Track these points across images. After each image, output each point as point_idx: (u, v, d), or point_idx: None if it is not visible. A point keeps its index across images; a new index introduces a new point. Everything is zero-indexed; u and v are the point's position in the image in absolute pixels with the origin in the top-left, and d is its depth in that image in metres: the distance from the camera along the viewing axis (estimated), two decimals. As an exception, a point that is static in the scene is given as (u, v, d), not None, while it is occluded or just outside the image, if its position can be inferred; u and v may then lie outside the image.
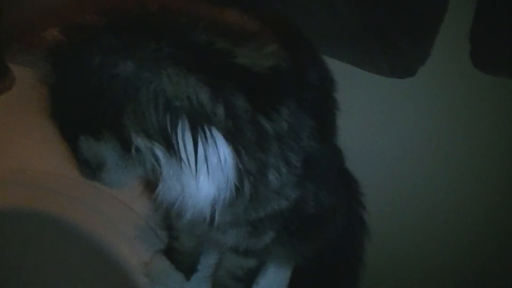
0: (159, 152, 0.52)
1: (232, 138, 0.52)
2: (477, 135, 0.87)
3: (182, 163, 0.53)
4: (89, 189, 0.77)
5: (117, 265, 0.75)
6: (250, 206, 0.59)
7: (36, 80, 0.55)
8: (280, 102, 0.54)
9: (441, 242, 1.05)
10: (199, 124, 0.51)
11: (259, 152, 0.54)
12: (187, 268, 0.77)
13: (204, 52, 0.51)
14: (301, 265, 0.77)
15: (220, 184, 0.55)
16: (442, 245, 1.05)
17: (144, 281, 0.74)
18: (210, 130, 0.51)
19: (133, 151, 0.52)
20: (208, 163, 0.53)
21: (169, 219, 0.74)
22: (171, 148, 0.52)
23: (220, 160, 0.53)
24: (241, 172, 0.54)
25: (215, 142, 0.52)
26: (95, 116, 0.51)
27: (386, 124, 0.92)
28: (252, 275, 0.74)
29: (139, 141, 0.51)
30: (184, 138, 0.51)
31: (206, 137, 0.51)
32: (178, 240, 0.75)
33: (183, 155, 0.52)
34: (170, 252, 0.77)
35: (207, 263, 0.77)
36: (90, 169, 0.57)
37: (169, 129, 0.50)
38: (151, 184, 0.61)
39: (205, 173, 0.54)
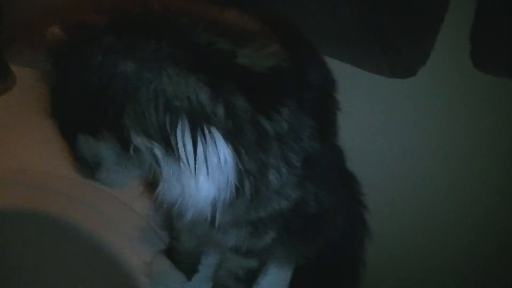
0: (158, 152, 0.52)
1: (232, 138, 0.52)
2: (477, 135, 0.86)
3: (181, 163, 0.52)
4: (90, 190, 0.76)
5: (118, 266, 0.74)
6: (251, 206, 0.59)
7: (36, 81, 0.55)
8: (281, 102, 0.54)
9: (441, 242, 1.05)
10: (199, 124, 0.50)
11: (259, 152, 0.54)
12: (188, 268, 0.76)
13: (205, 52, 0.51)
14: (302, 265, 0.77)
15: (220, 184, 0.55)
16: (442, 245, 1.05)
17: (145, 282, 0.73)
18: (210, 130, 0.51)
19: (131, 150, 0.52)
20: (208, 163, 0.53)
21: (169, 219, 0.74)
22: (170, 148, 0.51)
23: (220, 160, 0.53)
24: (241, 172, 0.54)
25: (215, 142, 0.52)
26: (95, 116, 0.51)
27: (386, 124, 0.92)
28: (253, 275, 0.74)
29: (139, 140, 0.51)
30: (184, 138, 0.51)
31: (205, 137, 0.51)
32: (179, 240, 0.75)
33: (182, 155, 0.52)
34: (171, 253, 0.76)
35: (208, 264, 0.77)
36: (88, 168, 0.57)
37: (169, 129, 0.50)
38: (151, 184, 0.61)
39: (205, 173, 0.54)
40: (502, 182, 0.91)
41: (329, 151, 0.65)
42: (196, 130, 0.51)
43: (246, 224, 0.63)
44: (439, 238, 1.04)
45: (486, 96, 0.81)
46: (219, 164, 0.53)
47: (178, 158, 0.52)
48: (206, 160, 0.52)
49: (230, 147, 0.52)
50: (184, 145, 0.52)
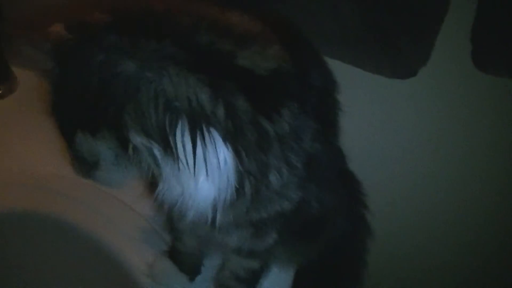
0: (157, 152, 0.52)
1: (232, 139, 0.52)
2: (478, 135, 0.86)
3: (180, 164, 0.52)
4: (91, 190, 0.76)
5: (120, 267, 0.74)
6: (251, 207, 0.58)
7: (38, 82, 0.54)
8: (281, 104, 0.54)
9: (441, 242, 1.04)
10: (198, 124, 0.50)
11: (259, 153, 0.53)
12: (191, 269, 0.76)
13: (205, 53, 0.51)
14: (304, 266, 0.76)
15: (220, 185, 0.54)
16: (442, 245, 1.04)
17: (147, 283, 0.73)
18: (209, 131, 0.51)
19: (130, 150, 0.52)
20: (208, 164, 0.52)
21: (171, 220, 0.73)
22: (170, 148, 0.51)
23: (220, 161, 0.53)
24: (242, 173, 0.54)
25: (214, 143, 0.51)
26: (95, 114, 0.51)
27: (387, 125, 0.92)
28: (255, 276, 0.73)
29: (138, 140, 0.51)
30: (183, 139, 0.51)
31: (205, 138, 0.51)
32: (181, 241, 0.75)
33: (181, 156, 0.52)
34: (173, 254, 0.76)
35: (210, 265, 0.76)
36: (87, 167, 0.57)
37: (168, 129, 0.50)
38: (152, 185, 0.61)
39: (205, 174, 0.53)
40: (502, 182, 0.90)
41: (331, 152, 0.65)
42: (195, 131, 0.50)
43: (247, 225, 0.62)
44: (439, 238, 1.03)
45: (487, 96, 0.81)
46: (218, 165, 0.53)
47: (177, 158, 0.52)
48: (205, 161, 0.52)
49: (230, 148, 0.52)
50: (183, 146, 0.51)
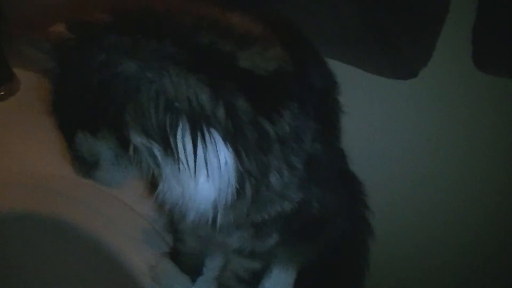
0: (158, 152, 0.52)
1: (232, 140, 0.52)
2: (478, 135, 0.86)
3: (181, 164, 0.52)
4: (92, 191, 0.76)
5: (121, 267, 0.73)
6: (252, 208, 0.58)
7: (39, 83, 0.54)
8: (282, 105, 0.53)
9: (441, 242, 1.03)
10: (199, 125, 0.50)
11: (260, 154, 0.53)
12: (192, 270, 0.75)
13: (206, 53, 0.50)
14: (306, 266, 0.76)
15: (221, 185, 0.54)
16: (442, 245, 1.04)
17: (149, 284, 0.73)
18: (210, 132, 0.51)
19: (131, 150, 0.52)
20: (208, 165, 0.52)
21: (172, 220, 0.73)
22: (170, 148, 0.51)
23: (220, 162, 0.52)
24: (242, 174, 0.54)
25: (215, 144, 0.51)
26: (95, 113, 0.51)
27: (388, 125, 0.92)
28: (257, 277, 0.73)
29: (138, 140, 0.51)
30: (184, 139, 0.51)
31: (205, 139, 0.51)
32: (183, 242, 0.74)
33: (181, 156, 0.52)
34: (175, 255, 0.75)
35: (212, 266, 0.76)
36: (86, 166, 0.57)
37: (169, 129, 0.50)
38: (153, 185, 0.60)
39: (205, 175, 0.53)
40: (502, 182, 0.90)
41: (331, 152, 0.64)
42: (196, 131, 0.50)
43: (248, 225, 0.62)
44: (439, 238, 1.03)
45: (487, 97, 0.80)
46: (219, 166, 0.53)
47: (178, 159, 0.52)
48: (206, 162, 0.52)
49: (230, 148, 0.52)
50: (184, 146, 0.51)
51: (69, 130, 0.55)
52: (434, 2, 0.71)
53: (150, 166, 0.53)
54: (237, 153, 0.52)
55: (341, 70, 0.66)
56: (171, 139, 0.51)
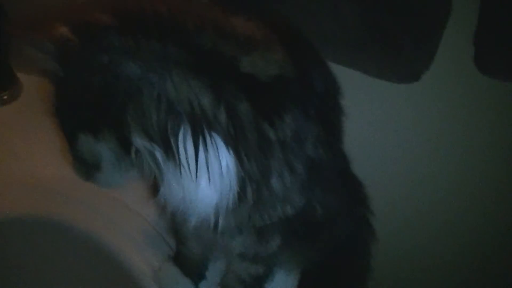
0: (159, 155, 0.51)
1: (233, 144, 0.51)
2: (480, 137, 0.85)
3: (182, 168, 0.52)
4: (95, 193, 0.74)
5: (125, 271, 0.72)
6: (254, 212, 0.57)
7: (42, 86, 0.53)
8: (284, 109, 0.53)
9: (441, 242, 1.03)
10: (200, 128, 0.50)
11: (261, 158, 0.53)
12: (195, 274, 0.74)
13: (208, 57, 0.50)
14: (309, 269, 0.75)
15: (223, 189, 0.54)
16: (442, 245, 1.03)
17: (151, 286, 0.71)
18: (211, 135, 0.50)
19: (132, 152, 0.51)
20: (210, 169, 0.52)
21: (176, 224, 0.72)
22: (171, 151, 0.51)
23: (222, 166, 0.52)
24: (243, 178, 0.53)
25: (216, 147, 0.51)
26: (97, 114, 0.51)
27: (389, 126, 0.91)
28: (260, 281, 0.72)
29: (140, 142, 0.51)
30: (185, 143, 0.51)
31: (207, 142, 0.50)
32: (186, 246, 0.73)
33: (183, 160, 0.51)
34: (178, 258, 0.74)
35: (215, 270, 0.75)
36: (86, 168, 0.56)
37: (170, 132, 0.50)
38: (156, 188, 0.59)
39: (207, 179, 0.53)
40: (502, 182, 0.89)
41: (333, 156, 0.63)
42: (197, 135, 0.50)
43: (250, 229, 0.61)
44: (439, 238, 1.02)
45: (489, 99, 0.79)
46: (220, 170, 0.52)
47: (179, 162, 0.51)
48: (207, 166, 0.52)
49: (232, 152, 0.51)
50: (185, 150, 0.51)
51: (71, 132, 0.54)
52: (435, 4, 0.70)
53: (151, 169, 0.53)
54: (238, 157, 0.51)
55: (343, 73, 0.66)
56: (173, 142, 0.50)
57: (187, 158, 0.51)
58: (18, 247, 0.78)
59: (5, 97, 0.90)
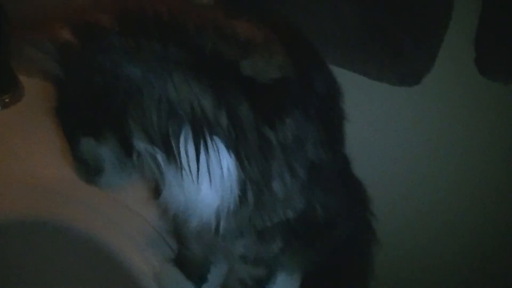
0: (160, 158, 0.51)
1: (234, 146, 0.51)
2: (482, 139, 0.84)
3: (183, 170, 0.51)
4: (97, 195, 0.74)
5: (126, 273, 0.72)
6: (255, 215, 0.57)
7: (44, 89, 0.53)
8: (285, 112, 0.53)
9: (441, 242, 1.03)
10: (201, 132, 0.49)
11: (262, 161, 0.52)
12: (197, 277, 0.74)
13: (209, 60, 0.49)
14: (311, 271, 0.74)
15: (224, 193, 0.53)
16: (442, 245, 1.03)
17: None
18: (212, 139, 0.50)
19: (134, 155, 0.51)
20: (211, 172, 0.52)
21: (177, 227, 0.71)
22: (172, 155, 0.50)
23: (223, 169, 0.52)
24: (244, 181, 0.53)
25: (218, 150, 0.51)
26: (98, 117, 0.50)
27: (389, 128, 0.90)
28: (262, 283, 0.71)
29: (141, 145, 0.50)
30: (187, 146, 0.50)
31: (208, 146, 0.50)
32: (188, 249, 0.73)
33: (184, 162, 0.51)
34: (180, 261, 0.74)
35: (216, 272, 0.74)
36: (88, 172, 0.56)
37: (171, 134, 0.49)
38: (158, 191, 0.59)
39: (208, 182, 0.53)
40: (503, 182, 0.89)
41: (335, 159, 0.63)
42: (199, 138, 0.50)
43: (251, 232, 0.60)
44: (439, 239, 1.02)
45: (490, 101, 0.79)
46: (222, 173, 0.52)
47: (180, 166, 0.51)
48: (208, 169, 0.51)
49: (233, 154, 0.51)
50: (186, 153, 0.50)
51: (72, 135, 0.54)
52: (435, 5, 0.70)
53: (153, 172, 0.52)
54: (239, 159, 0.51)
55: (343, 75, 0.65)
56: (174, 145, 0.50)
57: (188, 161, 0.51)
58: (19, 247, 0.77)
59: (6, 100, 0.89)
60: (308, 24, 0.75)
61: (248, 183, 0.53)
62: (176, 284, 0.72)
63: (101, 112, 0.50)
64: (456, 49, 0.73)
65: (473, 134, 0.84)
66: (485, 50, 0.69)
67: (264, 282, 0.71)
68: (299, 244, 0.67)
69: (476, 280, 1.03)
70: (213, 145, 0.50)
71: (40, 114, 0.55)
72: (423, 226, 1.01)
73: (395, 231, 0.99)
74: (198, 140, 0.49)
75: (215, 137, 0.50)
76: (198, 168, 0.51)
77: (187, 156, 0.50)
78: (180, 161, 0.51)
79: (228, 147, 0.51)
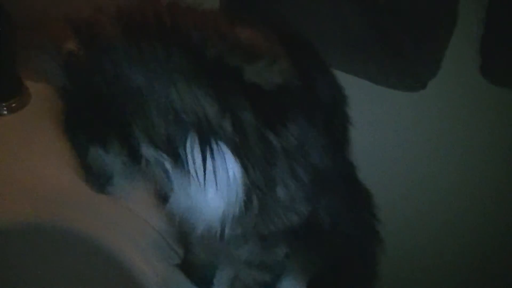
0: (168, 165, 0.51)
1: (239, 152, 0.50)
2: (482, 139, 0.83)
3: (191, 177, 0.51)
4: (104, 201, 0.73)
5: (132, 279, 0.71)
6: (259, 220, 0.57)
7: (50, 94, 0.53)
8: (288, 118, 0.52)
9: (441, 242, 1.01)
10: (207, 138, 0.49)
11: (266, 167, 0.52)
12: (203, 282, 0.73)
13: (213, 66, 0.49)
14: (316, 277, 0.74)
15: (229, 198, 0.53)
16: (442, 245, 1.02)
17: (159, 294, 0.71)
18: (218, 145, 0.50)
19: (143, 163, 0.50)
20: (217, 177, 0.51)
21: (183, 233, 0.71)
22: (180, 161, 0.50)
23: (229, 174, 0.51)
24: (249, 187, 0.52)
25: (223, 156, 0.50)
26: (106, 126, 0.50)
27: (391, 129, 0.89)
28: (267, 288, 0.72)
29: (148, 153, 0.50)
30: (193, 152, 0.50)
31: (213, 152, 0.50)
32: (193, 254, 0.73)
33: (191, 169, 0.51)
34: (186, 266, 0.73)
35: (222, 278, 0.74)
36: (99, 182, 0.55)
37: (177, 141, 0.49)
38: (164, 197, 0.59)
39: (214, 187, 0.52)
40: (503, 183, 0.87)
41: (339, 165, 0.62)
42: (205, 144, 0.49)
43: (256, 238, 0.60)
44: (439, 239, 1.01)
45: (490, 101, 0.78)
46: (228, 178, 0.51)
47: (188, 172, 0.51)
48: (215, 174, 0.51)
49: (238, 160, 0.51)
50: (193, 159, 0.50)
51: (81, 146, 0.53)
52: (436, 6, 0.69)
53: (162, 179, 0.52)
54: (244, 165, 0.51)
55: (349, 82, 0.64)
56: (180, 151, 0.49)
57: (195, 167, 0.50)
58: (20, 249, 0.75)
59: (13, 105, 0.88)
60: (308, 24, 0.74)
61: (253, 188, 0.52)
62: (182, 289, 0.71)
63: (107, 121, 0.49)
64: (460, 53, 0.72)
65: (473, 135, 0.83)
66: (490, 55, 0.68)
67: (269, 286, 0.70)
68: (304, 249, 0.66)
69: (476, 280, 1.02)
70: (219, 151, 0.49)
71: (47, 120, 0.55)
72: (423, 226, 1.00)
73: (395, 231, 0.98)
74: (204, 146, 0.49)
75: (220, 143, 0.49)
76: (204, 173, 0.50)
77: (194, 162, 0.50)
78: (188, 167, 0.50)
79: (233, 153, 0.50)
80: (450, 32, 0.69)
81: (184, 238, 0.72)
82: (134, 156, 0.50)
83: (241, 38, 0.52)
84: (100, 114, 0.49)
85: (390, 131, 0.89)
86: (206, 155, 0.49)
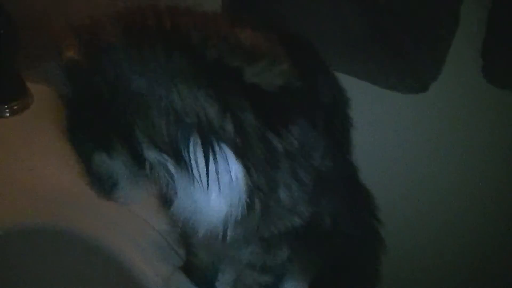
0: (172, 167, 0.50)
1: (241, 154, 0.50)
2: (482, 140, 0.82)
3: (194, 179, 0.50)
4: (106, 204, 0.71)
5: (135, 282, 0.70)
6: (262, 223, 0.56)
7: (53, 96, 0.52)
8: (290, 120, 0.52)
9: (441, 242, 1.00)
10: (209, 140, 0.48)
11: (268, 169, 0.51)
12: (205, 284, 0.72)
13: (214, 68, 0.48)
14: (318, 279, 0.73)
15: (232, 200, 0.53)
16: (442, 245, 1.00)
17: (161, 296, 0.71)
18: (220, 147, 0.49)
19: (147, 166, 0.50)
20: (220, 180, 0.51)
21: (185, 235, 0.70)
22: (183, 163, 0.49)
23: (232, 177, 0.51)
24: (251, 189, 0.52)
25: (226, 158, 0.50)
26: (108, 130, 0.49)
27: (391, 129, 0.88)
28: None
29: (152, 156, 0.49)
30: (196, 154, 0.49)
31: (216, 154, 0.49)
32: (196, 257, 0.72)
33: (194, 171, 0.50)
34: (188, 269, 0.73)
35: (224, 280, 0.73)
36: (104, 187, 0.55)
37: (180, 144, 0.48)
38: (167, 201, 0.59)
39: (217, 189, 0.52)
40: (503, 183, 0.86)
41: (342, 167, 0.62)
42: (207, 146, 0.49)
43: (258, 240, 0.60)
44: (439, 239, 1.00)
45: (490, 101, 0.77)
46: (230, 180, 0.51)
47: (191, 173, 0.50)
48: (218, 176, 0.51)
49: (240, 162, 0.50)
50: (196, 161, 0.50)
51: (85, 152, 0.53)
52: (436, 7, 0.68)
53: (166, 182, 0.51)
54: (246, 167, 0.50)
55: (349, 83, 0.64)
56: (184, 153, 0.49)
57: (198, 168, 0.50)
58: (21, 250, 0.75)
59: (15, 107, 0.88)
60: (308, 24, 0.74)
61: (255, 190, 0.52)
62: (184, 291, 0.71)
63: (110, 126, 0.49)
64: (462, 55, 0.71)
65: (474, 136, 0.82)
66: (492, 57, 0.67)
67: (271, 288, 0.71)
68: (305, 250, 0.66)
69: (476, 280, 1.01)
70: (221, 153, 0.49)
71: (49, 122, 0.54)
72: (423, 226, 0.99)
73: (395, 231, 0.97)
74: (207, 147, 0.49)
75: (222, 144, 0.49)
76: (207, 175, 0.50)
77: (197, 164, 0.50)
78: (191, 169, 0.50)
79: (235, 155, 0.50)
80: (452, 33, 0.68)
81: (186, 239, 0.71)
82: (138, 160, 0.50)
83: (241, 38, 0.51)
84: (102, 116, 0.49)
85: (390, 132, 0.88)
86: (209, 157, 0.49)
